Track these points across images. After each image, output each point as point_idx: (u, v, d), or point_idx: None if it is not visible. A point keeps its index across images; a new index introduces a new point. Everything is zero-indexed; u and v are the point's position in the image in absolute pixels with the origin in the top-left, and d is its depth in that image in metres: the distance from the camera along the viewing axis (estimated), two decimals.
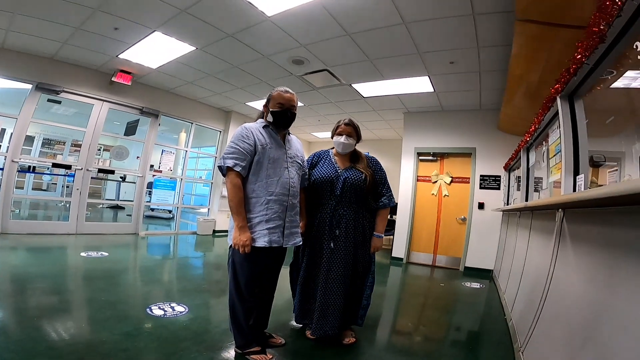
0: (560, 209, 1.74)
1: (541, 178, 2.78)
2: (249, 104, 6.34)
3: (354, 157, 2.23)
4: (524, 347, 1.90)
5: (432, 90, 4.71)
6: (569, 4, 1.73)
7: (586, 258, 1.36)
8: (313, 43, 3.70)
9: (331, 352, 2.01)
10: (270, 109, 1.86)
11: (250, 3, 3.04)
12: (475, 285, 4.31)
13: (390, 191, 2.23)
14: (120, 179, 8.72)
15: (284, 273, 2.12)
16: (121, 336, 1.93)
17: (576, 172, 1.78)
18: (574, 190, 1.75)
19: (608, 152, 2.29)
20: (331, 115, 6.51)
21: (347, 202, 2.10)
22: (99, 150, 7.81)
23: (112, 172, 6.37)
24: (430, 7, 2.81)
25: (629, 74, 1.53)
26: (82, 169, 5.27)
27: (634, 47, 1.10)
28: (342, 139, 2.14)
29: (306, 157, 2.19)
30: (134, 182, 6.41)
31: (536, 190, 3.15)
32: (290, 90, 1.89)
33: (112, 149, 6.51)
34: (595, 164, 1.81)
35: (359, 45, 3.62)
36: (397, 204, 5.78)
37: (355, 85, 4.86)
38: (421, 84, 4.55)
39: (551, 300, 1.70)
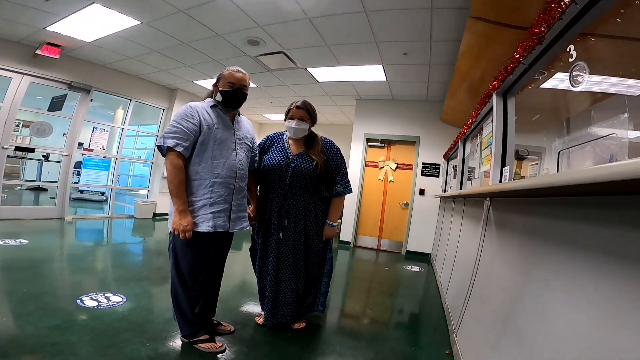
0: (487, 198, 1.90)
1: (474, 168, 3.02)
2: (197, 82, 5.94)
3: (309, 141, 2.12)
4: (457, 329, 2.03)
5: (385, 79, 4.84)
6: (521, 4, 1.85)
7: (508, 244, 1.48)
8: (271, 24, 3.55)
9: (282, 337, 2.03)
10: (220, 88, 1.78)
11: None
12: (416, 268, 4.59)
13: (346, 178, 2.16)
14: (43, 158, 7.70)
15: (232, 258, 2.07)
16: (49, 330, 1.76)
17: (503, 164, 1.96)
18: (500, 180, 1.94)
19: (531, 147, 2.58)
20: (284, 98, 6.39)
21: (297, 191, 2.03)
22: (17, 126, 6.79)
23: (32, 150, 5.60)
24: None
25: (558, 75, 1.70)
26: None
27: (567, 50, 1.23)
28: (294, 123, 2.03)
29: (258, 140, 2.12)
30: (59, 162, 5.71)
31: (469, 179, 3.44)
32: (243, 70, 1.82)
33: (32, 125, 5.69)
34: (519, 157, 2.04)
35: (317, 29, 3.56)
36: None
37: (310, 70, 4.80)
38: (375, 73, 4.65)
39: (478, 284, 1.84)
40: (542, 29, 1.20)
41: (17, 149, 5.17)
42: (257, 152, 2.08)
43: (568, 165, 1.57)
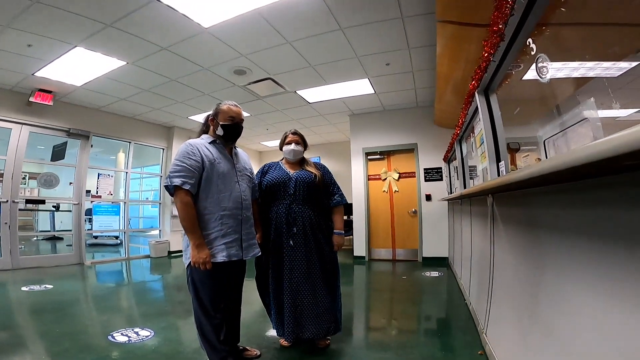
0: (489, 195, 1.90)
1: (475, 166, 3.02)
2: (191, 117, 6.13)
3: (302, 162, 2.33)
4: (486, 328, 2.02)
5: (373, 91, 4.94)
6: (478, 4, 1.93)
7: (516, 238, 1.46)
8: (254, 52, 3.70)
9: (307, 357, 2.01)
10: (221, 123, 1.85)
11: (185, 15, 2.97)
12: (435, 274, 4.52)
13: (341, 190, 2.33)
14: (54, 208, 7.89)
15: (249, 285, 2.09)
16: None
17: (498, 160, 1.98)
18: (498, 175, 1.94)
19: (526, 138, 2.57)
20: (279, 123, 6.53)
21: (301, 200, 2.14)
22: (24, 179, 7.00)
23: (43, 201, 5.75)
24: (363, 12, 2.96)
25: (534, 66, 1.73)
26: (7, 201, 4.70)
27: (527, 44, 1.27)
28: (292, 146, 2.24)
29: (256, 169, 2.21)
30: (70, 211, 5.85)
31: (471, 178, 3.44)
32: (238, 104, 1.92)
33: (39, 176, 5.87)
34: (512, 150, 2.04)
35: (299, 52, 3.70)
36: (351, 204, 5.95)
37: (300, 92, 4.93)
38: (362, 86, 4.76)
39: (498, 282, 1.82)
40: (500, 26, 1.25)
41: (27, 201, 5.31)
42: (257, 182, 2.18)
43: (555, 153, 1.57)
